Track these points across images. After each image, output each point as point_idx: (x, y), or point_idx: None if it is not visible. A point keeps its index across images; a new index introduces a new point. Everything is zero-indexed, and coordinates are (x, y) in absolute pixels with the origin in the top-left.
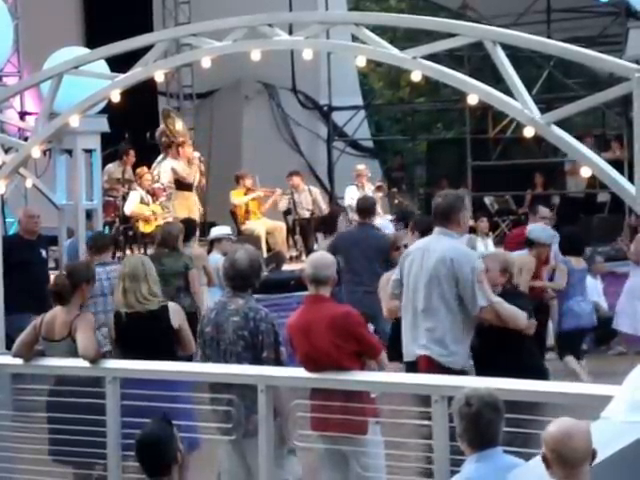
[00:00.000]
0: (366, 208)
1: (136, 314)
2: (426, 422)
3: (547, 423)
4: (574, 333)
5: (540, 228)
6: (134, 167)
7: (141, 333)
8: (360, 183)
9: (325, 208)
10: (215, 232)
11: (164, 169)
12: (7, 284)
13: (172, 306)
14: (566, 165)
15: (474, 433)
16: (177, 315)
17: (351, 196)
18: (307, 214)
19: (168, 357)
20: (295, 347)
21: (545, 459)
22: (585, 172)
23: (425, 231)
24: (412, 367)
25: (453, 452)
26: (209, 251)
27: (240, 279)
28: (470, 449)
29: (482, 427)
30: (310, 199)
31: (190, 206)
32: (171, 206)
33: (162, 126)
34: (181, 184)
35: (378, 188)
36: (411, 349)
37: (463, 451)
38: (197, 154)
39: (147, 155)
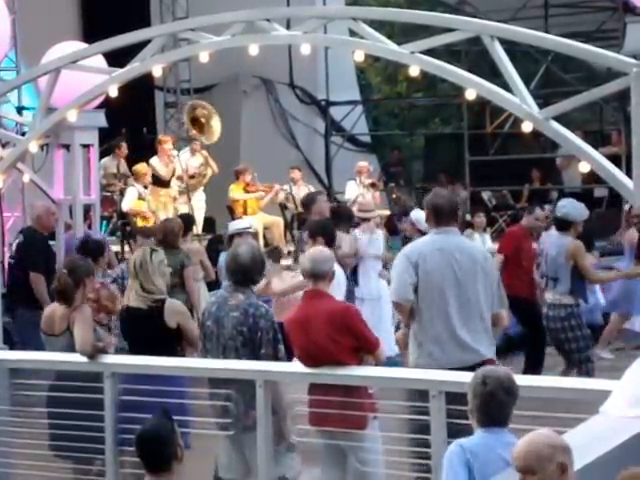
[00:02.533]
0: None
1: (135, 310)
2: (424, 417)
3: (546, 419)
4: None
5: (571, 205)
6: (128, 161)
7: (137, 330)
8: (360, 179)
9: None
10: (235, 226)
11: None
12: (20, 278)
13: (169, 305)
14: (557, 159)
15: (485, 412)
16: (174, 314)
17: (351, 191)
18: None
19: (166, 355)
20: (293, 342)
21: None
22: (583, 167)
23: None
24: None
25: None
26: (228, 246)
27: (241, 274)
28: (478, 425)
29: (494, 408)
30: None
31: (165, 202)
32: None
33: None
34: (157, 180)
35: (372, 185)
36: (467, 354)
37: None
38: (175, 152)
39: (144, 150)
